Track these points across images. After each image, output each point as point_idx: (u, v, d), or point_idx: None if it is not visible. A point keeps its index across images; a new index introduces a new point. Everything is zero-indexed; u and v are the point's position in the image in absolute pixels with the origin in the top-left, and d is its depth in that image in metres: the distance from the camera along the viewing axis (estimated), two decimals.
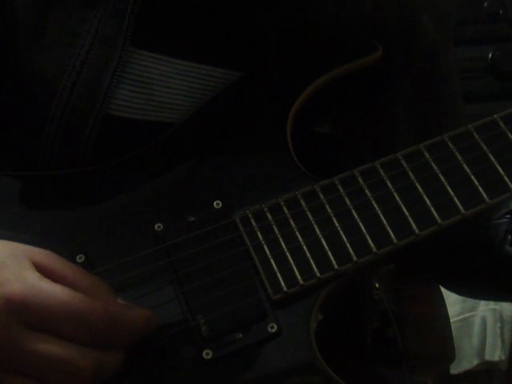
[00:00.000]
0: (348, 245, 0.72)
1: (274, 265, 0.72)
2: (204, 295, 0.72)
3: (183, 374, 0.70)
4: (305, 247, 0.73)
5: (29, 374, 0.63)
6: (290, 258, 0.72)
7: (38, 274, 0.64)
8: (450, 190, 0.73)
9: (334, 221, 0.73)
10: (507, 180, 0.73)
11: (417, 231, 0.73)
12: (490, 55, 1.86)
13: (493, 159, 0.74)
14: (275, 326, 0.71)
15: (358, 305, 0.91)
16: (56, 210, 0.77)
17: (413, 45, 0.88)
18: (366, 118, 0.87)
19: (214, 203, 0.76)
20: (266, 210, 0.75)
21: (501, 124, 0.75)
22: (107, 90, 0.79)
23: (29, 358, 0.62)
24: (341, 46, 0.83)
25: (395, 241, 0.72)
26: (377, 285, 0.99)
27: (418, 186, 0.74)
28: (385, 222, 0.73)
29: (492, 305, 1.72)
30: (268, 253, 0.73)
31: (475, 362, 1.69)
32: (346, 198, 0.74)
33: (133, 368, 0.68)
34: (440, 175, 0.74)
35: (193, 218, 0.75)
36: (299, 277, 0.72)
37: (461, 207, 0.73)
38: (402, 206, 0.73)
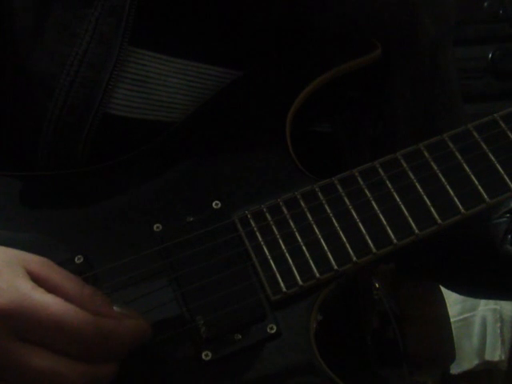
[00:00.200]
0: (347, 245, 0.72)
1: (273, 265, 0.72)
2: (203, 296, 0.72)
3: (182, 375, 0.70)
4: (304, 248, 0.72)
5: None
6: (289, 258, 0.72)
7: (30, 283, 0.63)
8: (449, 189, 0.73)
9: (334, 221, 0.73)
10: (507, 179, 0.73)
11: (416, 231, 0.72)
12: (490, 55, 1.86)
13: (493, 159, 0.74)
14: (274, 327, 0.71)
15: (358, 305, 0.90)
16: (54, 211, 0.77)
17: (412, 44, 0.88)
18: (366, 117, 0.87)
19: (213, 203, 0.76)
20: (265, 210, 0.74)
21: (501, 123, 0.75)
22: (105, 88, 0.78)
23: (18, 369, 0.62)
24: (340, 45, 0.83)
25: (395, 241, 0.72)
26: (377, 285, 0.99)
27: (418, 186, 0.74)
28: (384, 222, 0.73)
29: (492, 305, 1.72)
30: (267, 253, 0.73)
31: (475, 361, 1.69)
32: (346, 198, 0.74)
33: (131, 369, 0.68)
34: (440, 175, 0.74)
35: (192, 219, 0.75)
36: (298, 277, 0.71)
37: (461, 207, 0.73)
38: (402, 206, 0.73)
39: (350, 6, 0.84)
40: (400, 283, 1.06)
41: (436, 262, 0.99)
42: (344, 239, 0.72)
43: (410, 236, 0.72)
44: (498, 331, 1.70)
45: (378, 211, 0.73)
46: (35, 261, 0.66)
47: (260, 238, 0.73)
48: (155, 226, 0.74)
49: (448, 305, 1.13)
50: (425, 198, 0.73)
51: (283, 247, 0.73)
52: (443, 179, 0.74)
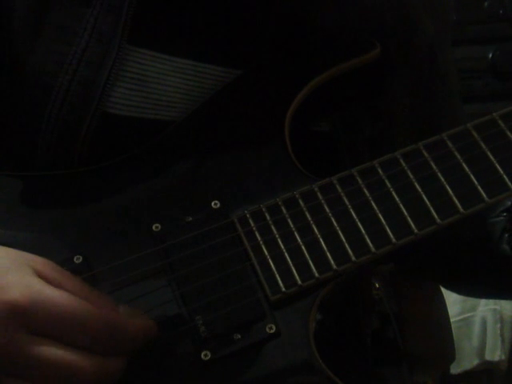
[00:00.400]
0: (346, 245, 0.72)
1: (272, 265, 0.72)
2: (202, 296, 0.72)
3: (182, 375, 0.70)
4: (303, 247, 0.72)
5: (30, 378, 0.63)
6: (288, 258, 0.72)
7: (40, 280, 0.64)
8: (448, 189, 0.73)
9: (333, 220, 0.73)
10: (506, 179, 0.73)
11: (416, 231, 0.72)
12: (490, 55, 1.87)
13: (492, 158, 0.74)
14: (274, 327, 0.71)
15: (358, 305, 0.90)
16: (53, 211, 0.77)
17: (411, 43, 0.88)
18: (364, 117, 0.87)
19: (212, 203, 0.76)
20: (264, 210, 0.74)
21: (500, 122, 0.75)
22: (104, 87, 0.78)
23: (30, 361, 0.62)
24: (339, 45, 0.83)
25: (394, 240, 0.72)
26: (377, 285, 0.99)
27: (417, 186, 0.74)
28: (383, 221, 0.73)
29: (492, 305, 1.72)
30: (266, 253, 0.73)
31: (475, 362, 1.70)
32: (345, 198, 0.74)
33: (131, 369, 0.68)
34: (439, 174, 0.74)
35: (191, 218, 0.75)
36: (297, 277, 0.71)
37: (460, 206, 0.72)
38: (401, 206, 0.73)
39: (349, 6, 0.84)
40: (400, 283, 1.06)
41: (435, 262, 0.99)
42: (343, 239, 0.72)
43: (409, 235, 0.72)
44: (498, 331, 1.70)
45: (377, 211, 0.73)
46: (40, 261, 0.67)
47: (259, 238, 0.73)
48: (154, 226, 0.74)
49: (448, 305, 1.13)
50: (424, 197, 0.73)
51: (282, 247, 0.73)
52: (442, 179, 0.74)
